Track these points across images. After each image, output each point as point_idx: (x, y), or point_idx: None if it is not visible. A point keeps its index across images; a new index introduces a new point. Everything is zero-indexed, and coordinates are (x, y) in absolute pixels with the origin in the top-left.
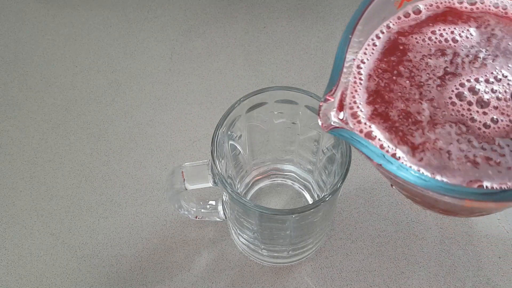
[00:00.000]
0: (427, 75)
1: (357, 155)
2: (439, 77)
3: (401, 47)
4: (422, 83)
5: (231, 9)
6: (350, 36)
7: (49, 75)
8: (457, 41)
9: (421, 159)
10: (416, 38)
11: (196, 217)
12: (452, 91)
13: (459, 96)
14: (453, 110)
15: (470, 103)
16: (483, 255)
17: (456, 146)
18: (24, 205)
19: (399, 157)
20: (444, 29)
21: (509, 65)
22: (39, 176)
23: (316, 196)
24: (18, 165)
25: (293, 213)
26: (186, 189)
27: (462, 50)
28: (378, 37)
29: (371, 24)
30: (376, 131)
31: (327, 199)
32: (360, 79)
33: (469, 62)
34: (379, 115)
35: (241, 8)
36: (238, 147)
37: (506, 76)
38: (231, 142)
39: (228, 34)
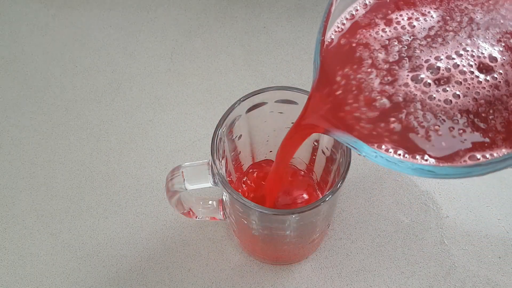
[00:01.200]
0: (379, 65)
1: (357, 155)
2: (392, 64)
3: (353, 45)
4: (369, 75)
5: (231, 9)
6: (326, 19)
7: (49, 75)
8: (414, 26)
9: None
10: (369, 32)
11: (196, 217)
12: (407, 75)
13: (415, 78)
14: (403, 91)
15: (427, 84)
16: (483, 255)
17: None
18: (24, 205)
19: None
20: (401, 15)
21: (474, 38)
22: (39, 176)
23: (316, 196)
24: (18, 165)
25: (293, 213)
26: (186, 189)
27: (420, 33)
28: (347, 20)
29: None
30: None
31: (327, 199)
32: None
33: (427, 44)
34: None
35: (241, 8)
36: (238, 147)
37: (467, 50)
38: (231, 142)
39: (228, 34)
